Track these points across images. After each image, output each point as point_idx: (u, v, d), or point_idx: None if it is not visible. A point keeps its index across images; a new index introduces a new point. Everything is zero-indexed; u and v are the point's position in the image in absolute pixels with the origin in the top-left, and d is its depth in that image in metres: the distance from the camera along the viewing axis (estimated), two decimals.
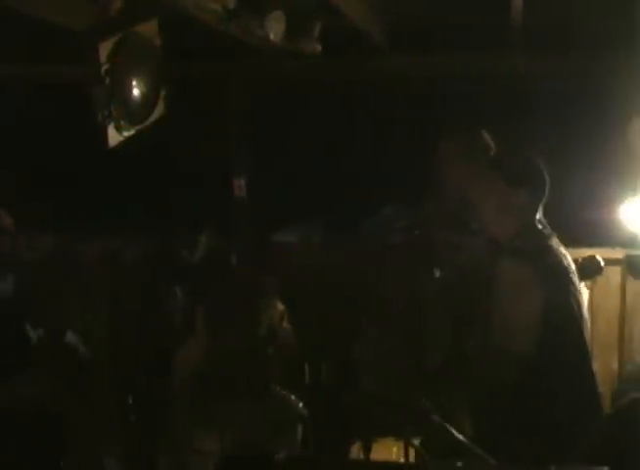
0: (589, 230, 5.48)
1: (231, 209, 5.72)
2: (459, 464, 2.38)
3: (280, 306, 3.36)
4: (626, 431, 2.21)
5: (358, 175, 6.20)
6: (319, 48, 4.92)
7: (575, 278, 3.68)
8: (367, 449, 3.10)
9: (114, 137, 3.49)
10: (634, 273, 4.83)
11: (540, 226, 3.69)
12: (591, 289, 5.26)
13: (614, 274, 5.54)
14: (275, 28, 4.39)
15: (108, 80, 3.40)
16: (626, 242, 5.37)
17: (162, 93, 3.83)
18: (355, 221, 5.35)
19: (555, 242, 3.69)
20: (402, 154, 6.00)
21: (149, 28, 3.73)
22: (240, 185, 5.57)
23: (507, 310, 3.41)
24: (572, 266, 3.71)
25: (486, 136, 4.28)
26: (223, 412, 3.15)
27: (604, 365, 5.20)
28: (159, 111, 3.84)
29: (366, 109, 6.08)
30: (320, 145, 6.27)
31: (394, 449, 3.43)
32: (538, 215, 3.68)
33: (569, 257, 3.72)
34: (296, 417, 3.22)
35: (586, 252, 5.43)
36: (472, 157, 4.06)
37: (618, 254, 5.53)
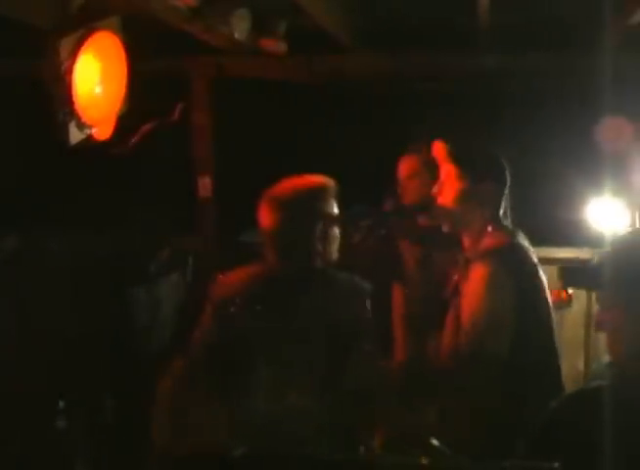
0: (557, 230, 5.49)
1: (196, 208, 5.67)
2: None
3: None
4: (570, 421, 2.20)
5: (325, 175, 6.16)
6: (284, 47, 4.89)
7: (542, 273, 3.67)
8: None
9: (75, 135, 3.42)
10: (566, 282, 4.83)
11: (505, 222, 3.69)
12: None
13: None
14: (240, 27, 4.36)
15: (69, 77, 3.33)
16: (593, 242, 5.37)
17: (125, 91, 3.77)
18: None
19: (521, 237, 3.68)
20: (369, 153, 5.97)
21: (111, 25, 3.67)
22: (205, 184, 5.52)
23: (478, 310, 3.39)
24: (537, 261, 3.70)
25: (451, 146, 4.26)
26: None
27: (570, 365, 5.21)
28: (121, 109, 3.78)
29: (333, 108, 6.05)
30: (286, 144, 6.24)
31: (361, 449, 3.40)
32: (501, 211, 3.68)
33: (533, 252, 3.71)
34: None
35: (554, 251, 5.47)
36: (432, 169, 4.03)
37: (586, 253, 5.54)
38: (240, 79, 5.64)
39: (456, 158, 3.70)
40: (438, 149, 3.75)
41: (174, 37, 4.58)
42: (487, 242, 3.57)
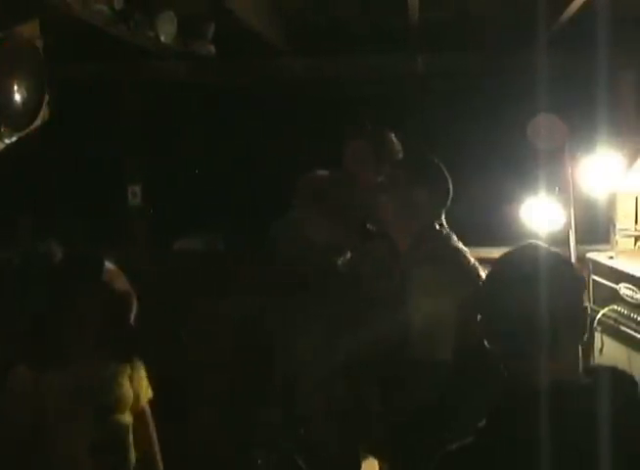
0: (491, 230, 5.46)
1: (126, 216, 5.54)
2: None
3: None
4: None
5: (264, 178, 6.05)
6: (213, 50, 4.79)
7: (483, 275, 3.61)
8: None
9: None
10: None
11: (438, 227, 3.64)
12: None
13: None
14: (166, 30, 4.26)
15: None
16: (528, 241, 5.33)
17: (47, 98, 3.64)
18: (262, 225, 5.24)
19: (456, 241, 3.64)
20: (306, 155, 5.88)
21: (30, 29, 3.54)
22: (134, 192, 5.40)
23: (428, 319, 3.31)
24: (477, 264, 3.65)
25: (393, 137, 4.19)
26: None
27: None
28: (43, 116, 3.66)
29: (269, 111, 5.94)
30: (223, 149, 6.12)
31: None
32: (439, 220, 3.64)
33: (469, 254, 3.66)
34: None
35: (488, 251, 5.43)
36: (379, 157, 3.97)
37: None
38: (169, 84, 5.53)
39: (395, 161, 3.67)
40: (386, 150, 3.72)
41: (102, 41, 4.45)
42: (431, 247, 3.52)
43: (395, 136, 4.27)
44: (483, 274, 3.57)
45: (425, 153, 3.79)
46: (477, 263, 3.58)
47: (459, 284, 3.37)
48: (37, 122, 3.62)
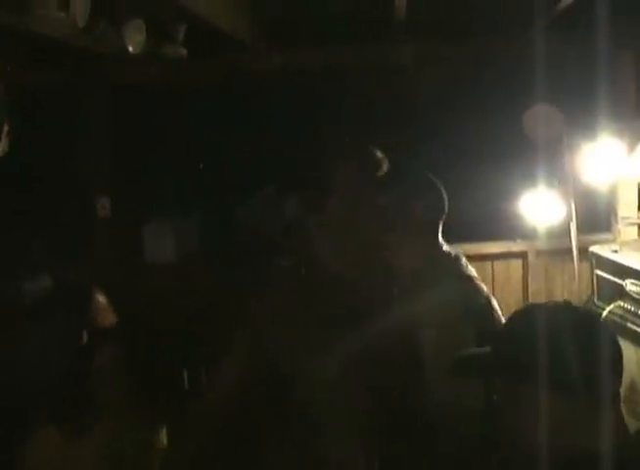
0: (489, 223, 5.24)
1: (95, 229, 5.26)
2: None
3: None
4: None
5: (234, 178, 5.76)
6: (184, 52, 4.48)
7: (495, 302, 3.35)
8: None
9: None
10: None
11: (445, 248, 3.39)
12: (492, 282, 5.06)
13: (515, 268, 5.33)
14: (134, 38, 3.93)
15: None
16: (527, 234, 5.14)
17: (6, 129, 3.35)
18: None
19: (467, 265, 3.38)
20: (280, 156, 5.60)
21: None
22: (103, 205, 5.12)
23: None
24: (484, 286, 3.39)
25: (379, 155, 3.90)
26: None
27: None
28: (2, 147, 3.37)
29: (243, 109, 5.63)
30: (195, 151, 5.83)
31: None
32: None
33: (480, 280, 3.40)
34: None
35: (488, 246, 5.22)
36: (365, 178, 3.69)
37: (520, 246, 5.31)
38: (139, 89, 5.22)
39: (382, 178, 3.44)
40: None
41: (66, 50, 4.11)
42: (433, 270, 3.26)
43: (383, 144, 3.99)
44: (495, 304, 3.33)
45: (416, 167, 3.57)
46: (489, 294, 3.33)
47: (472, 316, 3.12)
48: None
